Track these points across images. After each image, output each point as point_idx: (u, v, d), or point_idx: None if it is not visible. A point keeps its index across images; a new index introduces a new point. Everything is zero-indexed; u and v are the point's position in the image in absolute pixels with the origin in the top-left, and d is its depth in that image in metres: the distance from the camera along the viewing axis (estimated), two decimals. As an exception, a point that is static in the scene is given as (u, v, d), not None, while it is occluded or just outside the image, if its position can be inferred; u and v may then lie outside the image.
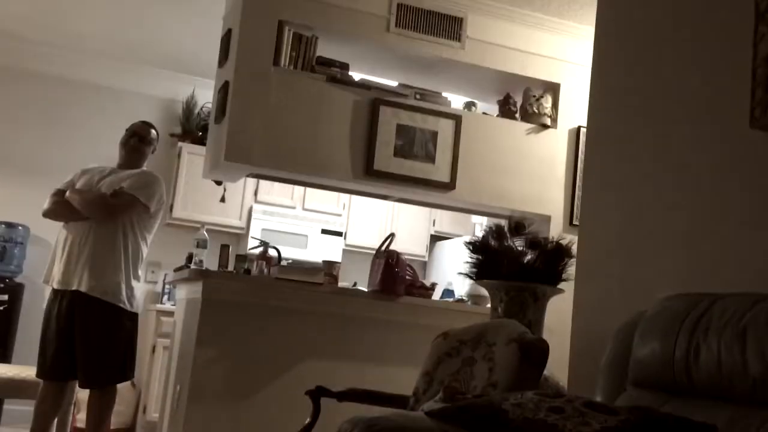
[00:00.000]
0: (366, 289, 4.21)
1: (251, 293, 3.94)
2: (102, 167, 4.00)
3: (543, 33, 4.57)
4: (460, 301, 4.56)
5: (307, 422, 2.69)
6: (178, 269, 4.58)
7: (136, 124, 4.12)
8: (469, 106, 4.69)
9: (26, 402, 4.30)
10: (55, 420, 3.89)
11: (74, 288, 3.71)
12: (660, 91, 2.54)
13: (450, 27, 4.40)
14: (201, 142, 5.75)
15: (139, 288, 3.99)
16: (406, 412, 2.42)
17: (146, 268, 6.03)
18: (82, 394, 5.30)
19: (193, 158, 5.88)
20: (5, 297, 5.42)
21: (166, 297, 5.84)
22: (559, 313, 3.09)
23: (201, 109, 6.11)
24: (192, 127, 6.10)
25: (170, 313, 5.25)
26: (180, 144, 6.01)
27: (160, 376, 5.17)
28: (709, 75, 2.33)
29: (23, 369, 4.41)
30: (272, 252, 4.24)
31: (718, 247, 2.21)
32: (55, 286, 3.78)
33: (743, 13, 2.12)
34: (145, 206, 3.85)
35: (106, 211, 3.76)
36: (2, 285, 5.48)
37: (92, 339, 3.71)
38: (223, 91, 4.21)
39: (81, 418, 5.30)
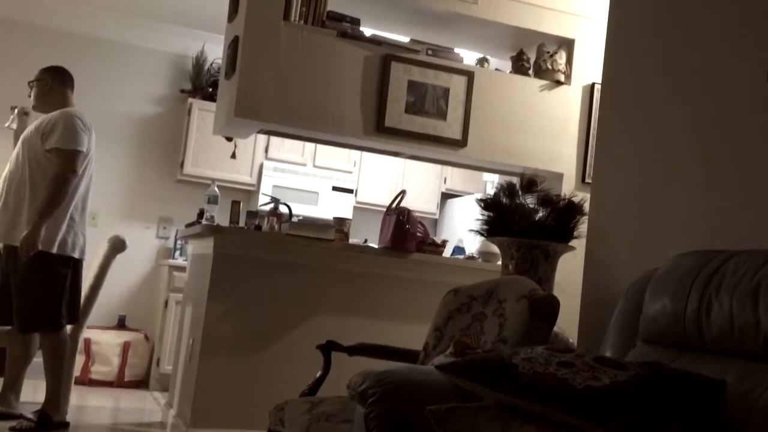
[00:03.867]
0: (377, 246, 4.22)
1: (262, 249, 3.96)
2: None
3: (558, -13, 4.50)
4: (471, 258, 4.57)
5: (318, 375, 2.72)
6: (189, 225, 4.61)
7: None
8: (481, 62, 4.64)
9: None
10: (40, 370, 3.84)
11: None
12: (676, 47, 2.49)
13: (463, -19, 4.33)
14: (211, 98, 5.72)
15: (78, 230, 3.77)
16: (417, 365, 2.44)
17: (157, 224, 6.07)
18: (96, 346, 5.40)
19: (203, 114, 5.86)
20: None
21: (177, 252, 5.88)
22: (569, 271, 3.09)
23: (211, 65, 6.07)
24: (202, 83, 6.07)
25: (182, 268, 5.29)
26: (190, 100, 5.99)
27: (173, 330, 5.23)
28: (727, 28, 2.28)
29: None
30: (283, 208, 4.25)
31: (731, 204, 2.19)
32: None
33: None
34: (75, 152, 3.68)
35: (70, 181, 3.66)
36: None
37: (18, 284, 3.69)
38: (233, 47, 4.17)
39: (96, 370, 5.40)
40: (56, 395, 3.72)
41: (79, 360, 4.49)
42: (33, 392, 4.05)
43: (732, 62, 2.24)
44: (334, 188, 6.22)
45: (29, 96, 3.94)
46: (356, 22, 4.26)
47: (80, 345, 4.03)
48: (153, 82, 6.17)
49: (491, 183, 6.03)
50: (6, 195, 3.75)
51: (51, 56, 5.92)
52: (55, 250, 3.66)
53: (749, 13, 2.18)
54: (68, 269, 3.73)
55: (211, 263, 3.89)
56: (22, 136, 3.84)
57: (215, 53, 5.75)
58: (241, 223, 4.33)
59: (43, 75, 3.93)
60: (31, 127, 3.84)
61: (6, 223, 3.72)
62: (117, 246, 4.05)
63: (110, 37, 6.05)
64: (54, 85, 3.90)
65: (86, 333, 4.70)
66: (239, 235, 4.00)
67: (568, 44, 4.55)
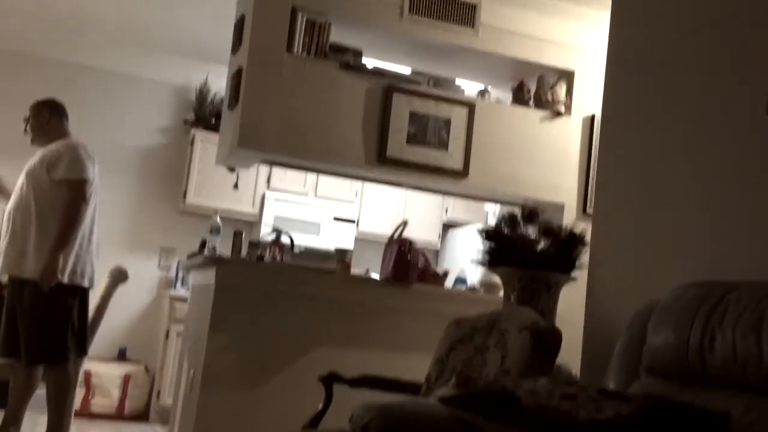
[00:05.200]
0: (378, 277, 4.21)
1: (264, 280, 3.95)
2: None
3: (557, 19, 4.54)
4: (473, 289, 4.56)
5: (319, 408, 2.70)
6: (191, 255, 4.60)
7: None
8: (482, 93, 4.67)
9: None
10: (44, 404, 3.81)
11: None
12: (675, 79, 2.51)
13: (464, 13, 4.38)
14: (214, 129, 5.76)
15: (86, 259, 3.80)
16: (419, 398, 2.42)
17: (159, 254, 6.06)
18: (96, 378, 5.37)
19: (206, 145, 5.89)
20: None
21: (179, 283, 5.87)
22: (572, 301, 3.08)
23: (214, 95, 6.11)
24: (205, 114, 6.11)
25: (183, 299, 5.28)
26: (193, 131, 6.02)
27: (173, 362, 5.20)
28: (727, 60, 2.30)
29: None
30: (285, 239, 4.25)
31: (732, 235, 2.19)
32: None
33: (762, 1, 2.10)
34: (83, 180, 3.73)
35: (81, 210, 3.71)
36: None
37: (26, 316, 3.67)
38: (236, 78, 4.21)
39: (96, 402, 5.36)
40: (58, 430, 3.69)
41: (79, 392, 4.47)
42: (32, 426, 4.02)
43: (731, 94, 2.26)
44: (336, 218, 6.23)
45: (25, 131, 3.96)
46: (358, 53, 4.30)
47: (80, 377, 4.00)
48: (156, 113, 6.21)
49: (493, 213, 6.04)
50: (13, 227, 3.75)
51: (54, 88, 5.97)
52: (65, 280, 3.67)
53: (748, 45, 2.20)
54: (76, 299, 3.73)
55: (212, 294, 3.88)
56: (25, 169, 3.86)
57: (218, 84, 5.80)
58: (243, 254, 4.33)
59: (39, 109, 3.96)
60: (34, 160, 3.86)
61: (14, 254, 3.72)
62: (118, 277, 4.05)
63: (114, 68, 6.10)
64: (52, 118, 3.94)
65: (86, 365, 4.67)
66: (241, 266, 3.99)
67: (568, 76, 4.58)
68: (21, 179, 3.85)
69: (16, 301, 3.71)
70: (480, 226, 3.96)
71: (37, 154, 3.88)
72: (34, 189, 3.75)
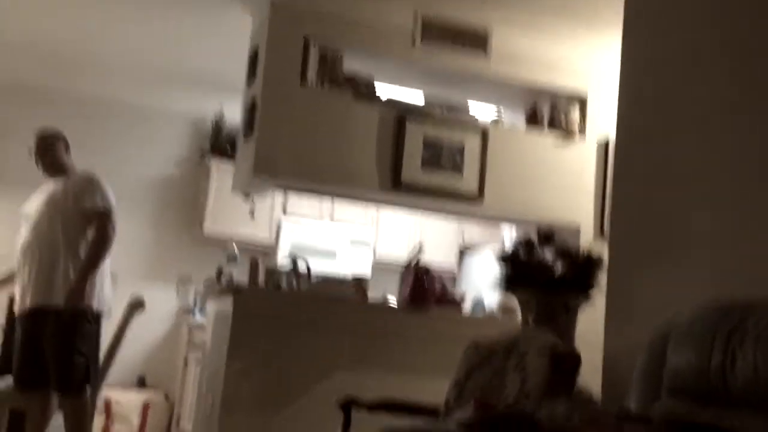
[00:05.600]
0: (395, 302, 4.22)
1: (281, 307, 3.96)
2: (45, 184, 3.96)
3: (569, 43, 4.56)
4: (491, 312, 4.55)
5: (338, 434, 2.69)
6: (208, 284, 4.63)
7: (35, 138, 3.99)
8: (495, 121, 4.69)
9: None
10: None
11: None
12: (689, 100, 2.52)
13: (475, 39, 4.41)
14: (230, 157, 5.81)
15: (106, 287, 3.85)
16: (438, 423, 2.41)
17: (177, 283, 6.10)
18: (116, 406, 5.38)
19: (222, 174, 5.94)
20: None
21: (197, 311, 5.90)
22: (590, 323, 3.07)
23: (229, 125, 6.18)
24: (221, 144, 6.17)
25: (201, 327, 5.30)
26: (209, 160, 6.08)
27: (192, 389, 5.21)
28: (739, 81, 2.31)
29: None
30: (302, 266, 4.27)
31: (748, 255, 2.19)
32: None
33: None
34: (111, 210, 3.81)
35: (112, 239, 3.78)
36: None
37: (54, 344, 3.68)
38: (251, 108, 4.26)
39: (116, 430, 5.37)
40: None
41: (99, 420, 4.48)
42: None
43: (746, 112, 2.27)
44: (353, 243, 6.24)
45: (38, 162, 3.96)
46: (371, 83, 4.34)
47: (100, 405, 4.01)
48: (173, 144, 6.29)
49: (509, 236, 6.03)
50: (40, 259, 3.78)
51: (71, 121, 6.07)
52: (94, 306, 3.73)
53: (763, 64, 2.21)
54: (99, 326, 3.79)
55: (230, 322, 3.90)
56: (43, 201, 3.88)
57: (234, 113, 5.86)
58: (260, 282, 4.35)
59: (55, 141, 4.01)
60: (53, 191, 3.89)
61: (42, 286, 3.74)
62: (136, 305, 4.08)
63: (131, 101, 6.19)
64: (67, 150, 4.01)
65: (106, 392, 4.70)
66: (258, 294, 4.01)
67: (581, 99, 4.60)
68: (36, 212, 3.87)
69: (40, 333, 3.73)
70: (496, 249, 3.96)
71: (55, 186, 3.91)
72: (61, 220, 3.80)
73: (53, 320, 3.66)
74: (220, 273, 4.62)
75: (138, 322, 4.15)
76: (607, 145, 4.46)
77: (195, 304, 5.95)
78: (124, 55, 5.73)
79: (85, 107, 6.00)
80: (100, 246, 3.75)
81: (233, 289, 3.93)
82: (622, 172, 2.85)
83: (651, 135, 2.69)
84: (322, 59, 4.20)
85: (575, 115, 4.55)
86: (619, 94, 2.93)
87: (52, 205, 3.85)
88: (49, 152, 3.99)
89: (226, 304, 4.04)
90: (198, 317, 5.79)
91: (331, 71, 4.22)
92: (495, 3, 4.38)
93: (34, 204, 3.91)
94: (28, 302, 3.76)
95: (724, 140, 2.34)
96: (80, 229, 3.78)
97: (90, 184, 3.85)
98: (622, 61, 2.94)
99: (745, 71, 2.30)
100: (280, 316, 3.95)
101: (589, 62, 4.59)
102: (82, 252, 3.75)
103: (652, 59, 2.76)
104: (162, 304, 5.95)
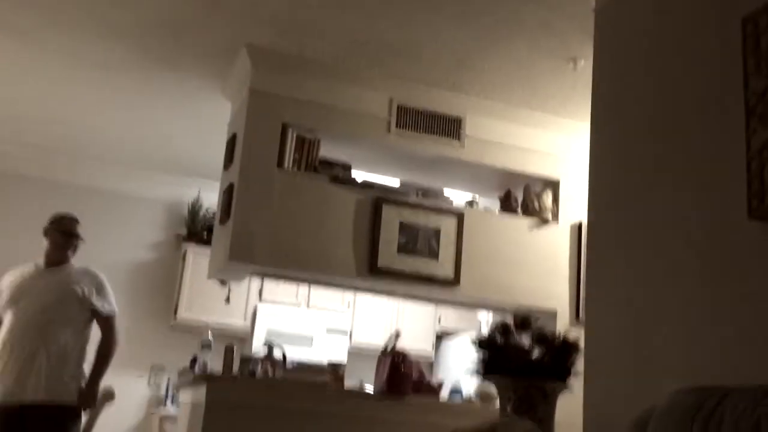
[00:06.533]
0: (372, 389, 4.14)
1: (256, 395, 3.87)
2: (28, 267, 3.91)
3: (541, 131, 4.68)
4: (469, 400, 4.48)
5: None
6: (182, 372, 4.53)
7: (66, 218, 4.01)
8: (470, 203, 4.75)
9: None
10: None
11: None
12: (657, 187, 2.58)
13: (449, 126, 4.52)
14: (206, 243, 5.79)
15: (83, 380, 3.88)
16: None
17: (149, 372, 5.96)
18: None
19: (198, 259, 5.91)
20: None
21: (169, 401, 5.75)
22: (569, 409, 3.02)
23: (206, 210, 6.19)
24: (197, 229, 6.16)
25: (173, 419, 5.15)
26: (185, 246, 6.05)
27: (162, 484, 5.02)
28: (706, 166, 2.37)
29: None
30: (277, 353, 4.20)
31: (724, 339, 2.19)
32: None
33: (735, 110, 2.19)
34: (116, 314, 4.00)
35: (118, 343, 3.98)
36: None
37: None
38: (228, 193, 4.28)
39: None
40: None
41: None
42: None
43: (713, 198, 2.32)
44: (329, 330, 6.17)
45: (55, 242, 3.89)
46: (347, 167, 4.40)
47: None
48: (148, 229, 6.27)
49: (485, 321, 6.00)
50: (19, 351, 3.66)
51: (47, 207, 6.04)
52: (75, 401, 3.75)
53: (728, 154, 2.27)
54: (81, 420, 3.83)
55: (203, 412, 3.79)
56: (31, 292, 3.77)
57: (210, 199, 5.88)
58: (235, 369, 4.26)
59: (78, 230, 3.98)
60: (51, 280, 3.81)
61: (19, 379, 3.63)
62: (106, 396, 3.98)
63: (107, 187, 6.20)
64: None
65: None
66: (232, 383, 3.93)
67: (553, 184, 4.69)
68: (21, 301, 3.77)
69: (17, 428, 3.61)
70: (473, 334, 3.93)
71: (49, 276, 3.83)
72: (57, 312, 3.74)
73: (33, 415, 3.61)
74: (194, 361, 4.53)
75: (107, 413, 4.04)
76: (580, 229, 4.52)
77: (167, 394, 5.81)
78: (101, 140, 5.78)
79: (61, 190, 5.99)
80: (112, 349, 3.92)
81: (207, 377, 3.85)
82: (595, 256, 2.88)
83: (622, 219, 2.73)
84: (299, 144, 4.26)
85: (548, 199, 4.62)
86: (589, 179, 2.98)
87: (44, 296, 3.76)
88: (74, 239, 3.94)
89: (200, 393, 3.94)
90: (170, 408, 5.63)
91: (308, 156, 4.27)
92: (468, 92, 4.51)
93: (20, 288, 3.81)
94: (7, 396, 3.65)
95: (695, 222, 2.38)
96: (82, 326, 3.84)
97: (102, 287, 3.93)
98: (591, 147, 3.00)
99: (714, 152, 2.36)
100: (254, 404, 3.85)
101: (561, 148, 4.71)
102: (62, 344, 3.70)
103: (621, 145, 2.82)
104: (133, 394, 5.81)
